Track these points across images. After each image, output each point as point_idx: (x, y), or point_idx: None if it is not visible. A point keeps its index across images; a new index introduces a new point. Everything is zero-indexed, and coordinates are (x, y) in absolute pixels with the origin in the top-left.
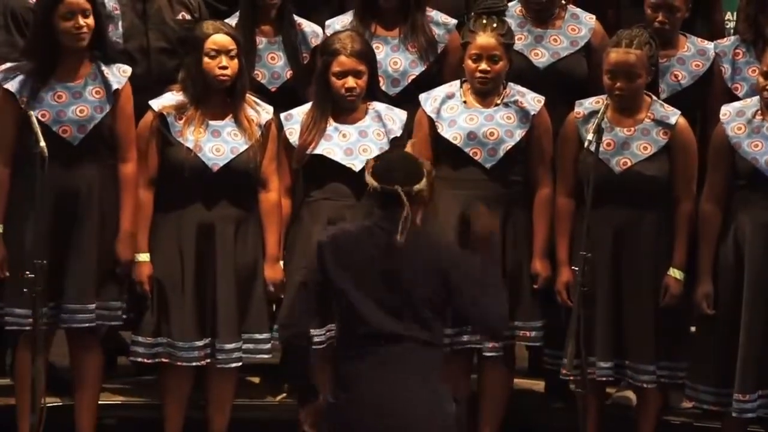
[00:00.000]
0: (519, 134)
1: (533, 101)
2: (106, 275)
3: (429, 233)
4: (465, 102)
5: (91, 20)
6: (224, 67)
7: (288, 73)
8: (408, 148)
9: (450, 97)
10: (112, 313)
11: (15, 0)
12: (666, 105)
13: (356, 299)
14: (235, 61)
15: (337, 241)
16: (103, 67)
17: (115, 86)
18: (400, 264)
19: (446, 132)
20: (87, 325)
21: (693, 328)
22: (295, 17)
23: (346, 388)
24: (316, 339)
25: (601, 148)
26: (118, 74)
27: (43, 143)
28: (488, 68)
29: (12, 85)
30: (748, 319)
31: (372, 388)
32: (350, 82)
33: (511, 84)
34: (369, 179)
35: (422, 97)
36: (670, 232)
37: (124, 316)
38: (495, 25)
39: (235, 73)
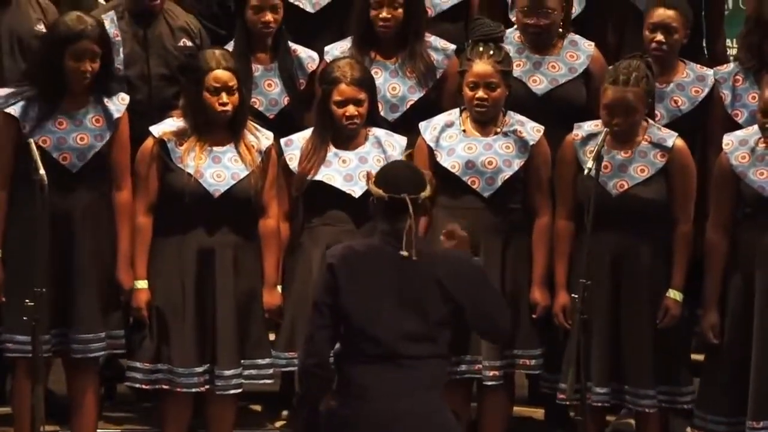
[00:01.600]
0: (517, 164)
1: (533, 131)
2: (109, 303)
3: (447, 250)
4: (464, 131)
5: (97, 64)
6: (224, 104)
7: (285, 100)
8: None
9: (449, 125)
10: (116, 341)
11: (20, 26)
12: (663, 128)
13: (367, 316)
14: (236, 95)
15: (346, 261)
16: (104, 97)
17: (115, 115)
18: (411, 278)
19: (445, 161)
20: (99, 354)
21: (699, 356)
22: (291, 43)
23: (354, 395)
24: None
25: None
26: (118, 102)
27: (42, 171)
28: (486, 96)
29: (14, 110)
30: (759, 345)
31: (382, 396)
32: (351, 110)
33: (510, 112)
34: (374, 189)
35: (422, 125)
36: (668, 255)
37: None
38: (492, 52)
39: (236, 106)
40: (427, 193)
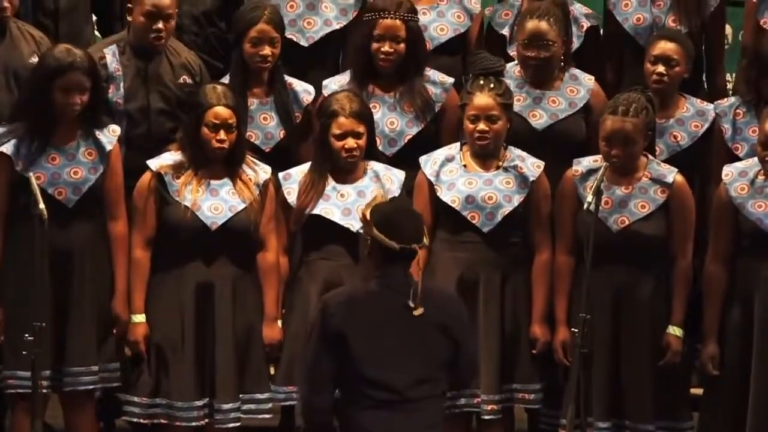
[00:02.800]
0: (517, 199)
1: (533, 166)
2: (104, 336)
3: (435, 288)
4: (465, 165)
5: (86, 96)
6: (222, 141)
7: (281, 133)
8: (379, 198)
9: (449, 160)
10: (111, 374)
11: (14, 59)
12: (663, 163)
13: (373, 364)
14: (234, 133)
15: (347, 309)
16: (95, 129)
17: (107, 147)
18: (413, 321)
19: (445, 195)
20: (91, 387)
21: (698, 391)
22: (286, 77)
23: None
24: None
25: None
26: (109, 134)
27: (42, 205)
28: (487, 128)
29: (6, 148)
30: (758, 376)
31: None
32: (350, 142)
33: (511, 148)
34: (380, 237)
35: (422, 159)
36: (668, 291)
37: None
38: (492, 85)
39: (233, 143)
40: (427, 237)
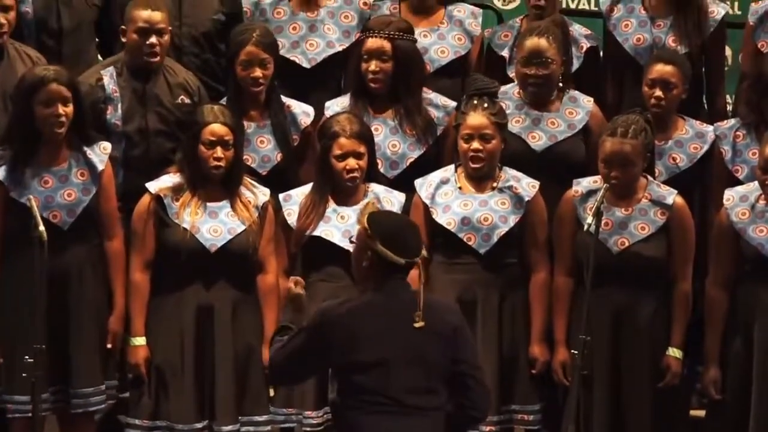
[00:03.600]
0: (513, 220)
1: (528, 187)
2: (104, 355)
3: (433, 298)
4: (460, 187)
5: (70, 108)
6: (219, 158)
7: (278, 157)
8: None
9: (444, 182)
10: (110, 392)
11: (10, 82)
12: (663, 185)
13: (374, 373)
14: (231, 151)
15: (347, 320)
16: (84, 147)
17: (99, 167)
18: (413, 332)
19: (440, 217)
20: (101, 406)
21: (699, 413)
22: (284, 98)
23: None
24: (312, 421)
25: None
26: (100, 153)
27: (42, 227)
28: (481, 147)
29: None
30: (758, 399)
31: None
32: (351, 163)
33: (506, 168)
34: (383, 251)
35: (417, 182)
36: (668, 312)
37: (119, 395)
38: (486, 105)
39: (230, 162)
40: (425, 253)
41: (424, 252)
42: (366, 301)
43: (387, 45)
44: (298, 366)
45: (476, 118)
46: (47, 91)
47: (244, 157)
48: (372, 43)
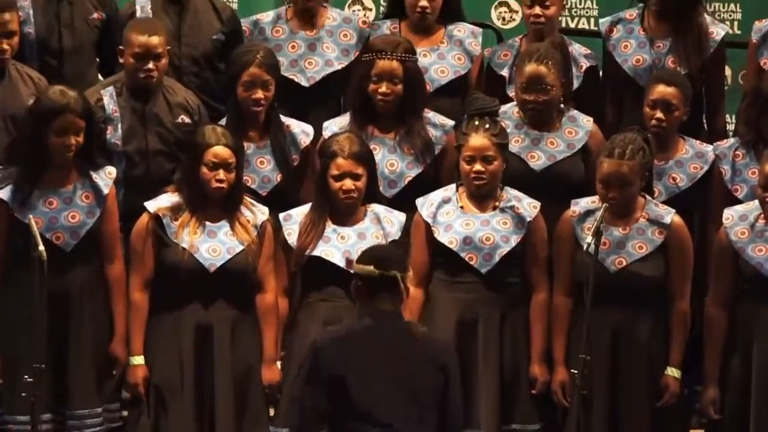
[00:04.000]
0: (515, 240)
1: (529, 207)
2: (104, 377)
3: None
4: (461, 207)
5: (81, 137)
6: (221, 180)
7: (278, 177)
8: None
9: (446, 201)
10: (111, 414)
11: (15, 102)
12: (661, 204)
13: (366, 400)
14: (233, 173)
15: (339, 347)
16: (91, 171)
17: (104, 191)
18: (406, 358)
19: (442, 237)
20: (97, 429)
21: (697, 431)
22: (283, 118)
23: None
24: None
25: None
26: (105, 177)
27: (41, 246)
28: (483, 169)
29: (3, 193)
30: (757, 419)
31: None
32: (348, 184)
33: (507, 188)
34: (361, 267)
35: (419, 201)
36: (667, 331)
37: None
38: (488, 125)
39: (232, 184)
40: (410, 272)
41: (409, 272)
42: (358, 327)
43: (398, 67)
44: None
45: (478, 140)
46: (63, 120)
47: (244, 178)
48: (384, 65)
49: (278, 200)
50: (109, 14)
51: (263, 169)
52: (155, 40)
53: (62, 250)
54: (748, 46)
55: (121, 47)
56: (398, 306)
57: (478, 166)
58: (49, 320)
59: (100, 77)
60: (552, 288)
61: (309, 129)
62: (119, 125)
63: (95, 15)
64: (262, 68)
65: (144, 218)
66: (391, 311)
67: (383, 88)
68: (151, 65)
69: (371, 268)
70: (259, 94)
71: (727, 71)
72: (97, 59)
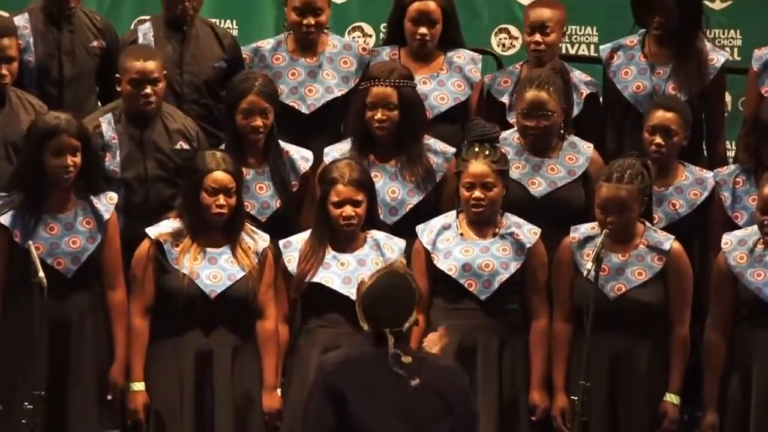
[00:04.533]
0: (514, 266)
1: (529, 233)
2: (105, 403)
3: (432, 358)
4: (461, 233)
5: (78, 158)
6: (222, 206)
7: (277, 203)
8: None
9: (446, 228)
10: None
11: (15, 129)
12: (660, 231)
13: (363, 420)
14: (234, 198)
15: (344, 366)
16: (91, 196)
17: (105, 216)
18: (407, 387)
19: (442, 263)
20: None
21: None
22: (283, 144)
23: None
24: None
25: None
26: (106, 202)
27: (41, 273)
28: (482, 196)
29: (4, 219)
30: None
31: None
32: (348, 210)
33: (507, 214)
34: (359, 313)
35: (419, 228)
36: (666, 358)
37: None
38: (488, 152)
39: (232, 209)
40: (411, 320)
41: (406, 325)
42: (362, 352)
43: (393, 93)
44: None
45: (478, 167)
46: (58, 141)
47: (244, 203)
48: (378, 91)
49: (277, 226)
50: (110, 42)
51: (262, 194)
52: (151, 65)
53: (63, 276)
54: (748, 73)
55: (118, 75)
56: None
57: (477, 193)
58: (50, 346)
59: (99, 105)
60: (551, 314)
61: (308, 155)
62: (117, 152)
63: (95, 43)
64: (260, 96)
65: (145, 244)
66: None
67: (378, 115)
68: (148, 90)
69: (364, 324)
70: (258, 121)
71: (728, 98)
72: (98, 87)
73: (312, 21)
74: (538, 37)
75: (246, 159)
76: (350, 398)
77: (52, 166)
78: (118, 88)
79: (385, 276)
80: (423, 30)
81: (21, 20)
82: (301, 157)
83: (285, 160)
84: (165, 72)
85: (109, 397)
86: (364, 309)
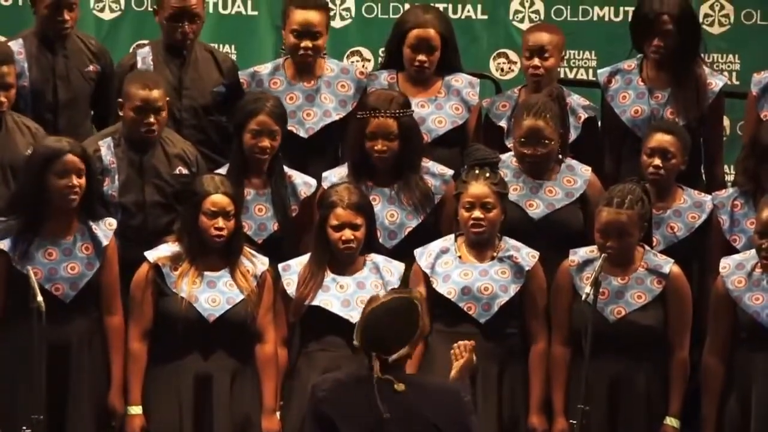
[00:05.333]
0: (513, 289)
1: (528, 256)
2: (103, 428)
3: (432, 382)
4: (460, 257)
5: (83, 180)
6: (220, 228)
7: (274, 226)
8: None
9: (444, 251)
10: None
11: (12, 153)
12: (659, 254)
13: None
14: (232, 221)
15: (335, 392)
16: (90, 222)
17: (104, 242)
18: (400, 412)
19: (441, 287)
20: None
21: None
22: (287, 169)
23: None
24: None
25: None
26: (105, 228)
27: (40, 297)
28: (482, 216)
29: (3, 244)
30: None
31: None
32: (347, 234)
33: (506, 238)
34: (356, 327)
35: (417, 252)
36: (666, 381)
37: None
38: (487, 175)
39: (231, 232)
40: (402, 353)
41: (395, 356)
42: (355, 376)
43: (393, 124)
44: None
45: (478, 188)
46: (63, 161)
47: (242, 223)
48: (378, 123)
49: (274, 249)
50: (105, 67)
51: (261, 216)
52: (156, 93)
53: (61, 302)
54: (747, 97)
55: (120, 100)
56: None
57: (477, 213)
58: (48, 371)
59: (94, 129)
60: (550, 338)
61: (311, 181)
62: (116, 176)
63: (91, 68)
64: (271, 117)
65: (144, 268)
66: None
67: (379, 146)
68: (152, 119)
69: (355, 341)
70: (266, 142)
71: (726, 122)
72: (92, 111)
73: (309, 44)
74: (536, 61)
75: (249, 179)
76: (339, 425)
77: (58, 188)
78: (120, 113)
79: (397, 300)
80: (422, 57)
81: (15, 45)
82: (304, 182)
83: (287, 184)
84: (168, 99)
85: (113, 424)
86: (362, 324)
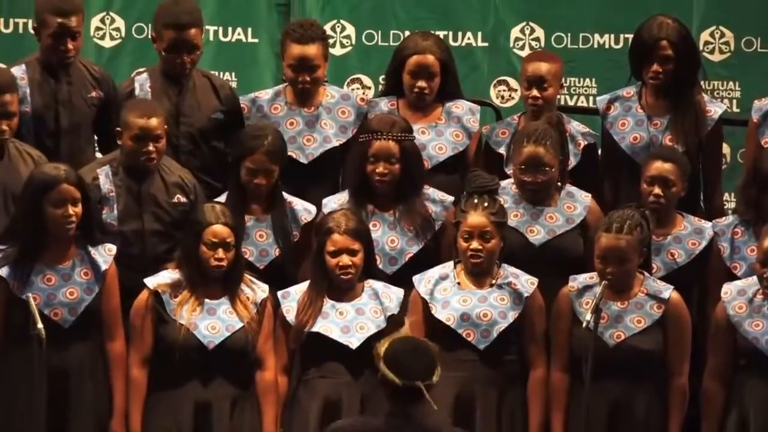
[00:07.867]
0: (512, 316)
1: (527, 283)
2: None
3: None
4: (459, 283)
5: (79, 208)
6: (220, 259)
7: (276, 251)
8: (406, 328)
9: (443, 278)
10: None
11: (14, 181)
12: (659, 280)
13: None
14: (232, 251)
15: None
16: (89, 247)
17: (103, 267)
18: None
19: (439, 313)
20: None
21: None
22: (286, 195)
23: None
24: None
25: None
26: (105, 254)
27: (40, 324)
28: (480, 247)
29: (2, 271)
30: None
31: None
32: (345, 260)
33: (504, 265)
34: (385, 371)
35: (416, 278)
36: (665, 407)
37: None
38: (486, 203)
39: (231, 262)
40: (437, 375)
41: (434, 379)
42: (372, 425)
43: (395, 147)
44: None
45: (476, 218)
46: (58, 191)
47: (243, 250)
48: (380, 146)
49: (276, 275)
50: (107, 93)
51: (262, 242)
52: (154, 122)
53: (61, 327)
54: (747, 124)
55: (118, 129)
56: (420, 408)
57: (475, 244)
58: (49, 397)
59: (98, 155)
60: (549, 364)
61: (312, 208)
62: (115, 205)
63: (93, 94)
64: (267, 156)
65: (143, 295)
66: (421, 410)
67: (380, 169)
68: (151, 147)
69: (395, 379)
70: (262, 180)
71: (727, 149)
72: (96, 137)
73: (308, 78)
74: (535, 92)
75: (249, 206)
76: None
77: (54, 217)
78: (119, 142)
79: (402, 339)
80: (422, 83)
81: (18, 71)
82: (304, 208)
83: (287, 210)
84: (166, 127)
85: None
86: (390, 360)
